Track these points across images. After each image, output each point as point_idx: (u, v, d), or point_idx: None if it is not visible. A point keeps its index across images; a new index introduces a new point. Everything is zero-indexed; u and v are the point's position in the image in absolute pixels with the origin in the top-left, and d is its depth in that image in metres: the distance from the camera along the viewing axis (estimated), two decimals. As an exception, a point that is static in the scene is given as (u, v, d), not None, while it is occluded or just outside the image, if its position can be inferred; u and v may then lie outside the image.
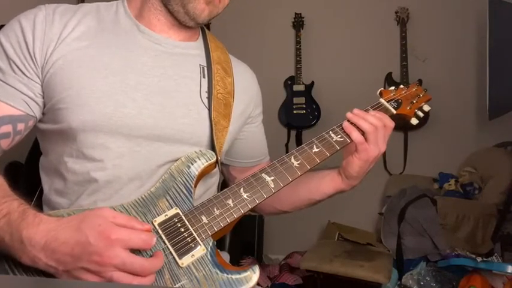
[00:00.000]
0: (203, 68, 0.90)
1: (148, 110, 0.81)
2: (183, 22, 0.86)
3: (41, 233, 0.64)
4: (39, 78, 0.79)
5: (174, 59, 0.87)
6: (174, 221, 0.76)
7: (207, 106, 0.87)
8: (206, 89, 0.88)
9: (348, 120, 0.90)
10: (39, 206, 0.86)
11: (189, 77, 0.88)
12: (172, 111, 0.83)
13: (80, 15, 0.84)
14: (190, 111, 0.85)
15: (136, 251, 0.68)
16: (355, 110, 0.91)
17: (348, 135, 0.89)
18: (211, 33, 0.99)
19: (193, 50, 0.91)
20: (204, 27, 0.98)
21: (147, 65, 0.84)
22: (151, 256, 0.70)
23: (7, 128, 0.78)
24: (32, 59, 0.78)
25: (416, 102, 1.01)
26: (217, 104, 0.88)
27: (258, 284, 0.77)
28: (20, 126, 0.80)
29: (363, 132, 0.88)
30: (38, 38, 0.78)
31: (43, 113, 0.82)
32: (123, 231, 0.65)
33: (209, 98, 0.88)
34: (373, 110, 0.94)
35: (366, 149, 0.87)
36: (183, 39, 0.90)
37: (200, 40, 0.95)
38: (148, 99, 0.82)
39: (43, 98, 0.81)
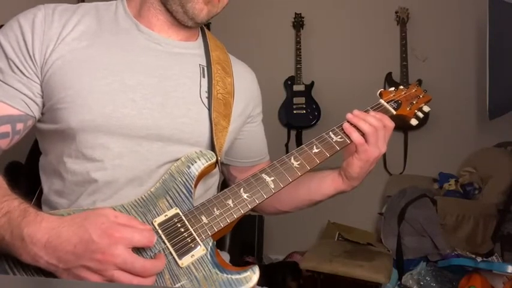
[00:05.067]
0: (203, 68, 0.90)
1: (148, 110, 0.81)
2: (181, 22, 0.86)
3: (42, 230, 0.64)
4: (38, 78, 0.79)
5: (174, 59, 0.87)
6: (174, 221, 0.76)
7: (207, 106, 0.87)
8: (206, 89, 0.88)
9: (348, 121, 0.90)
10: (38, 206, 0.85)
11: (188, 76, 0.87)
12: (172, 111, 0.83)
13: (80, 15, 0.83)
14: (190, 111, 0.85)
15: (137, 253, 0.68)
16: (355, 111, 0.91)
17: (348, 136, 0.89)
18: (211, 33, 0.99)
19: (193, 49, 0.91)
20: (204, 27, 0.98)
21: (146, 65, 0.84)
22: (153, 257, 0.70)
23: (6, 128, 0.78)
24: (31, 59, 0.78)
25: (416, 103, 1.01)
26: (217, 104, 0.88)
27: (258, 284, 0.77)
28: (19, 126, 0.80)
29: (363, 133, 0.88)
30: (37, 37, 0.78)
31: (42, 113, 0.82)
32: (126, 230, 0.65)
33: (209, 98, 0.88)
34: (373, 110, 0.94)
35: (366, 150, 0.87)
36: (182, 38, 0.90)
37: (200, 40, 0.95)
38: (147, 99, 0.82)
39: (42, 97, 0.80)
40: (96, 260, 0.62)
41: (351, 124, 0.89)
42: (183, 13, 0.84)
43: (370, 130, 0.87)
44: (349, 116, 0.90)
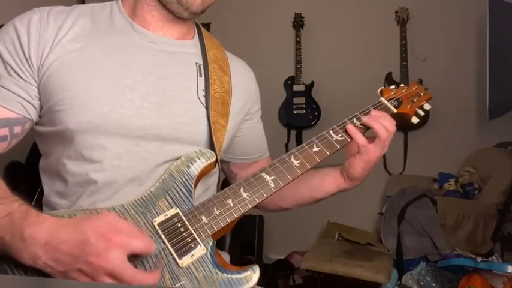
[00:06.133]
0: (200, 67, 0.90)
1: (146, 110, 0.81)
2: (176, 14, 0.85)
3: (43, 230, 0.64)
4: (35, 80, 0.79)
5: (170, 58, 0.87)
6: (174, 221, 0.76)
7: (205, 105, 0.87)
8: (203, 88, 0.88)
9: (354, 124, 0.90)
10: (39, 207, 0.85)
11: (185, 75, 0.87)
12: (170, 110, 0.83)
13: (75, 16, 0.83)
14: (188, 110, 0.85)
15: (138, 258, 0.68)
16: (373, 112, 0.91)
17: (349, 135, 0.89)
18: (207, 32, 0.98)
19: (189, 48, 0.91)
20: (200, 26, 0.98)
21: (143, 64, 0.84)
22: (153, 259, 0.70)
23: (4, 131, 0.78)
24: (28, 62, 0.78)
25: (417, 101, 1.01)
26: (215, 103, 0.88)
27: (258, 284, 0.77)
28: (17, 129, 0.80)
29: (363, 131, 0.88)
30: (33, 40, 0.78)
31: (40, 116, 0.82)
32: (124, 235, 0.65)
33: (206, 97, 0.88)
34: (374, 109, 0.94)
35: (368, 151, 0.88)
36: (178, 36, 0.90)
37: (196, 38, 0.94)
38: (145, 98, 0.82)
39: (39, 100, 0.80)
40: (90, 263, 0.62)
41: (355, 125, 0.89)
42: (177, 3, 0.84)
43: (383, 132, 0.87)
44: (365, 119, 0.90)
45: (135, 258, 0.67)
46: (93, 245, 0.62)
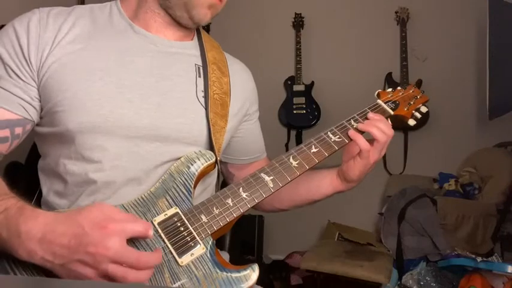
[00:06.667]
0: (199, 68, 0.91)
1: (145, 111, 0.81)
2: (184, 25, 0.88)
3: (38, 225, 0.64)
4: (35, 82, 0.79)
5: (170, 59, 0.88)
6: (174, 220, 0.76)
7: (204, 105, 0.87)
8: (202, 88, 0.89)
9: (352, 125, 0.90)
10: (38, 207, 0.85)
11: (184, 76, 0.88)
12: (169, 110, 0.84)
13: (74, 17, 0.84)
14: (187, 111, 0.85)
15: (135, 247, 0.68)
16: (370, 114, 0.92)
17: (347, 136, 0.89)
18: (207, 34, 0.99)
19: (189, 49, 0.92)
20: (199, 27, 0.98)
21: (142, 65, 0.84)
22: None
23: (5, 133, 0.78)
24: (28, 63, 0.78)
25: (414, 103, 1.02)
26: (214, 104, 0.88)
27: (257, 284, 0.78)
28: (18, 130, 0.80)
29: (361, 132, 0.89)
30: (33, 41, 0.78)
31: (40, 117, 0.83)
32: (119, 222, 0.64)
33: (205, 97, 0.88)
34: (371, 111, 0.95)
35: (369, 156, 0.88)
36: (178, 38, 0.90)
37: (195, 40, 0.95)
38: (144, 99, 0.82)
39: (40, 101, 0.81)
40: (90, 254, 0.62)
41: (358, 130, 0.90)
42: (188, 18, 0.86)
43: (381, 136, 0.88)
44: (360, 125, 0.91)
45: (134, 246, 0.67)
46: (90, 236, 0.62)
